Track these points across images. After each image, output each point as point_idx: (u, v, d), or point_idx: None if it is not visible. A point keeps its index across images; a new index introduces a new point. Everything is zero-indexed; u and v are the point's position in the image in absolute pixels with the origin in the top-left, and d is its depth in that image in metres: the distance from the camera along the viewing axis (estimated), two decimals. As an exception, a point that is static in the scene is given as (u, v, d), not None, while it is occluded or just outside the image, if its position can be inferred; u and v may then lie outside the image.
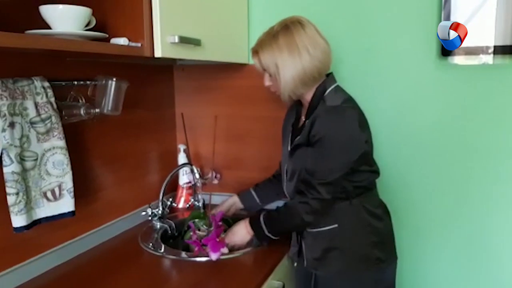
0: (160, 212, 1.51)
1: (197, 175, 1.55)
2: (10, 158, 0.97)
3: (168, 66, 1.78)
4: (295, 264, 1.36)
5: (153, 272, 1.21)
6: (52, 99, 1.07)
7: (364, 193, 1.24)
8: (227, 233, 1.33)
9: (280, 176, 1.45)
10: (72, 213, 1.12)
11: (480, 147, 1.47)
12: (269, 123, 1.65)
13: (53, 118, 1.07)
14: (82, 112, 1.19)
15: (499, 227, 1.50)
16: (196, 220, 1.46)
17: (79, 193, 1.16)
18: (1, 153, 0.97)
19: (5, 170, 0.97)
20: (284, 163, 1.35)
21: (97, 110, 1.23)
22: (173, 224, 1.52)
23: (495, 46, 1.38)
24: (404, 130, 1.55)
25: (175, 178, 1.74)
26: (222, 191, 1.76)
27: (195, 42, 1.25)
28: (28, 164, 1.03)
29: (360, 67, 1.56)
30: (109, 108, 1.24)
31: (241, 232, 1.30)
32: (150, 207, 1.51)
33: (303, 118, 1.29)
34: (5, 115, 0.96)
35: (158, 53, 1.11)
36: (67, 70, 1.22)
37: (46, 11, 0.96)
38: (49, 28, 0.98)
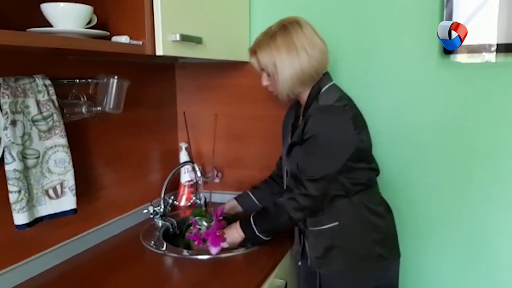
0: (161, 210, 1.51)
1: (198, 173, 1.55)
2: (12, 156, 0.97)
3: (169, 64, 1.78)
4: (299, 263, 1.36)
5: (155, 270, 1.21)
6: (54, 97, 1.07)
7: (364, 191, 1.24)
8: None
9: (277, 176, 1.45)
10: (74, 211, 1.13)
11: (482, 146, 1.47)
12: (270, 122, 1.65)
13: (55, 116, 1.07)
14: (83, 110, 1.19)
15: (499, 227, 1.49)
16: (197, 217, 1.46)
17: (80, 191, 1.16)
18: (3, 151, 0.97)
19: (7, 168, 0.97)
20: (283, 163, 1.35)
21: (98, 108, 1.23)
22: (175, 222, 1.52)
23: (497, 44, 1.38)
24: (405, 129, 1.55)
25: (177, 176, 1.75)
26: (223, 189, 1.77)
27: (197, 40, 1.25)
28: (30, 162, 1.03)
29: (361, 67, 1.56)
30: (111, 107, 1.24)
31: (232, 234, 1.29)
32: (152, 205, 1.51)
33: (301, 118, 1.29)
34: (7, 113, 0.96)
35: (159, 51, 1.11)
36: (68, 68, 1.22)
37: (47, 9, 0.96)
38: (51, 26, 0.98)
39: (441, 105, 1.49)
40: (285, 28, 1.19)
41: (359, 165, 1.21)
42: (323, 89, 1.23)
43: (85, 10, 1.00)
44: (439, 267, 1.59)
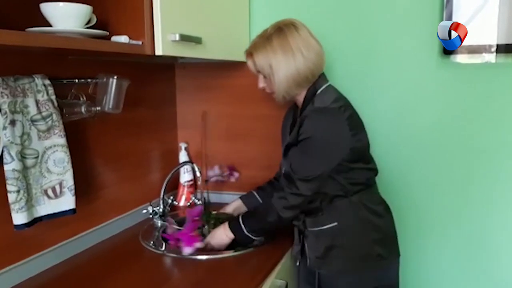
0: (161, 210, 1.51)
1: (198, 173, 1.55)
2: (11, 156, 0.97)
3: (169, 64, 1.78)
4: (298, 263, 1.36)
5: (154, 271, 1.21)
6: (53, 97, 1.07)
7: (363, 190, 1.24)
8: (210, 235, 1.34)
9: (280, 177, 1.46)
10: (73, 211, 1.12)
11: (482, 147, 1.47)
12: (270, 122, 1.65)
13: (54, 116, 1.07)
14: (83, 110, 1.19)
15: (499, 226, 1.49)
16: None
17: (80, 191, 1.16)
18: (2, 151, 0.97)
19: (6, 167, 0.97)
20: (281, 163, 1.35)
21: (98, 108, 1.23)
22: (174, 222, 1.52)
23: (497, 45, 1.38)
24: (405, 130, 1.55)
25: (176, 176, 1.74)
26: (224, 189, 1.76)
27: (196, 40, 1.25)
28: (29, 161, 1.03)
29: (361, 67, 1.56)
30: (110, 106, 1.24)
31: (219, 235, 1.30)
32: (151, 205, 1.51)
33: (298, 119, 1.30)
34: (6, 112, 0.96)
35: (159, 51, 1.11)
36: (68, 68, 1.22)
37: (47, 8, 0.96)
38: (50, 26, 0.98)
39: (441, 105, 1.49)
40: (281, 30, 1.20)
41: (356, 165, 1.22)
42: (319, 90, 1.23)
43: (84, 10, 1.00)
44: (439, 267, 1.59)
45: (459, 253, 1.55)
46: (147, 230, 1.47)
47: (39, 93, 1.04)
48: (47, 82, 1.06)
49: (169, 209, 1.56)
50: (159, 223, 1.50)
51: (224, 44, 1.47)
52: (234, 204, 1.53)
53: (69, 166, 1.11)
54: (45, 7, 0.96)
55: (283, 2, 1.62)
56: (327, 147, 1.17)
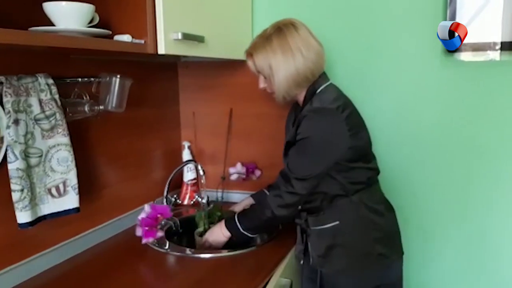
0: (164, 209, 1.51)
1: (201, 172, 1.55)
2: (15, 155, 0.97)
3: (172, 63, 1.78)
4: (301, 262, 1.36)
5: (158, 269, 1.21)
6: (56, 96, 1.08)
7: (364, 190, 1.24)
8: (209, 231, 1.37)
9: None
10: (76, 210, 1.13)
11: (485, 145, 1.46)
12: (273, 120, 1.65)
13: (58, 115, 1.07)
14: (86, 109, 1.20)
15: (503, 225, 1.48)
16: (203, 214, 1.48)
17: (83, 190, 1.16)
18: (6, 150, 0.98)
19: (9, 166, 0.98)
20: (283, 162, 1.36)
21: (101, 107, 1.23)
22: (178, 221, 1.52)
23: (502, 42, 1.37)
24: (409, 128, 1.54)
25: (180, 175, 1.75)
26: (226, 188, 1.76)
27: (199, 39, 1.25)
28: (33, 160, 1.03)
29: (364, 66, 1.55)
30: (113, 105, 1.24)
31: (216, 232, 1.32)
32: (155, 203, 1.51)
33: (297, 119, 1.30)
34: (9, 112, 0.96)
35: (161, 50, 1.11)
36: (71, 67, 1.22)
37: (49, 8, 0.97)
38: (53, 25, 0.98)
39: (445, 104, 1.48)
40: (280, 30, 1.20)
41: (357, 164, 1.21)
42: (318, 90, 1.23)
43: (87, 9, 1.00)
44: (442, 266, 1.59)
45: (461, 251, 1.55)
46: (150, 228, 1.48)
47: (42, 92, 1.05)
48: (50, 81, 1.07)
49: (172, 208, 1.56)
50: (162, 221, 1.50)
51: (226, 42, 1.47)
52: (244, 202, 1.54)
53: (72, 165, 1.11)
54: (47, 6, 0.97)
55: (286, 0, 1.61)
56: (323, 147, 1.18)
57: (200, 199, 1.64)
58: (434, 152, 1.52)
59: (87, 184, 1.30)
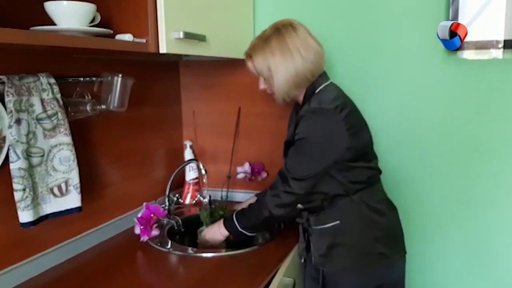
0: (166, 208, 1.52)
1: (203, 171, 1.55)
2: (17, 154, 0.98)
3: (173, 62, 1.78)
4: (302, 261, 1.36)
5: (160, 268, 1.21)
6: (58, 96, 1.08)
7: (365, 189, 1.23)
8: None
9: None
10: (78, 209, 1.13)
11: (488, 143, 1.45)
12: (275, 119, 1.65)
13: (59, 115, 1.07)
14: (88, 108, 1.20)
15: (504, 224, 1.48)
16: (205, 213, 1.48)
17: (85, 190, 1.16)
18: (8, 149, 0.98)
19: (12, 166, 0.98)
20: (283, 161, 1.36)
21: (103, 106, 1.23)
22: (180, 220, 1.52)
23: (505, 40, 1.36)
24: (411, 127, 1.53)
25: (182, 175, 1.75)
26: (230, 187, 1.76)
27: (200, 38, 1.24)
28: (35, 160, 1.03)
29: (366, 64, 1.55)
30: (115, 105, 1.24)
31: (213, 230, 1.33)
32: (156, 203, 1.51)
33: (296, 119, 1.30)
34: (11, 111, 0.97)
35: (163, 49, 1.11)
36: (73, 67, 1.22)
37: (51, 7, 0.97)
38: (54, 24, 0.98)
39: (447, 102, 1.48)
40: (279, 32, 1.19)
41: (357, 164, 1.21)
42: (317, 89, 1.22)
43: (88, 8, 1.00)
44: (443, 265, 1.58)
45: (463, 251, 1.54)
46: (152, 228, 1.48)
47: (44, 92, 1.05)
48: (52, 80, 1.07)
49: (174, 207, 1.56)
50: (164, 221, 1.50)
51: (228, 41, 1.47)
52: (249, 201, 1.53)
53: (74, 165, 1.11)
54: (49, 6, 0.97)
55: (288, -1, 1.61)
56: (321, 147, 1.17)
57: (202, 198, 1.64)
58: (435, 150, 1.52)
59: (89, 183, 1.30)
